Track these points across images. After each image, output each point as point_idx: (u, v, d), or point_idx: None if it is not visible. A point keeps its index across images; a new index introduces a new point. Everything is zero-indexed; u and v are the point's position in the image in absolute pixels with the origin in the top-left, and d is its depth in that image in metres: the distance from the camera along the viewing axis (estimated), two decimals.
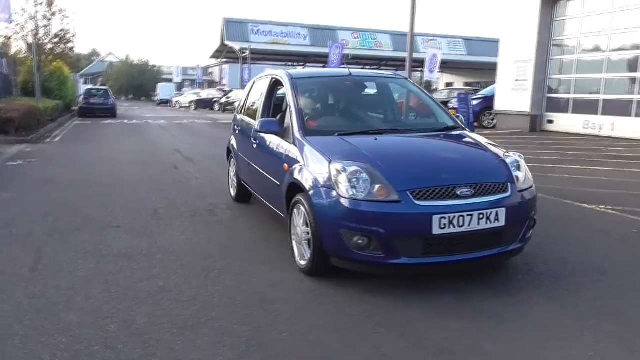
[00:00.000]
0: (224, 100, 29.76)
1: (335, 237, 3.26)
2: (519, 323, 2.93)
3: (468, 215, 3.17)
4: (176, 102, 37.92)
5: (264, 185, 4.59)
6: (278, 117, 4.54)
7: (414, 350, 2.65)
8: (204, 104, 33.74)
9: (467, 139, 4.08)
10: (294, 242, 3.81)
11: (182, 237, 4.57)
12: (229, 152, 6.17)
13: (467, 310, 3.08)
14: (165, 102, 43.06)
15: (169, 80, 56.09)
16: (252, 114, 5.36)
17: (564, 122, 13.68)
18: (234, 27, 35.89)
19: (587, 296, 3.30)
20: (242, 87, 36.44)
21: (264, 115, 4.92)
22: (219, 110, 30.10)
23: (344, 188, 3.22)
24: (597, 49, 13.10)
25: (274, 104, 5.02)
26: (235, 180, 5.81)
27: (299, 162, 3.74)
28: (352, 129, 4.14)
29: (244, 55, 31.86)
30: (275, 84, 4.99)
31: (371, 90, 4.94)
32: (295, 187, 3.73)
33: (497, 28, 16.73)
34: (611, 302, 3.22)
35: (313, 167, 3.53)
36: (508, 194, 3.37)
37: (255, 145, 4.81)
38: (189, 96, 36.58)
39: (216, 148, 11.27)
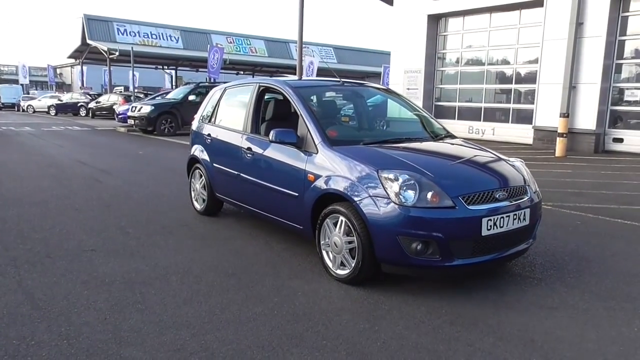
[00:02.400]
0: (92, 105, 27.40)
1: (391, 244, 3.36)
2: (563, 311, 3.30)
3: (506, 216, 3.49)
4: (28, 106, 33.95)
5: (267, 198, 4.48)
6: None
7: (502, 343, 2.86)
8: (66, 109, 30.75)
9: (471, 146, 4.43)
10: (325, 252, 3.83)
11: (181, 256, 4.28)
12: (191, 164, 5.85)
13: (515, 304, 3.38)
14: (12, 106, 38.25)
15: (13, 81, 49.95)
16: (233, 123, 5.17)
17: (451, 128, 15.01)
18: (96, 26, 33.35)
19: (590, 281, 3.81)
20: (106, 91, 34.01)
21: (254, 125, 4.81)
22: (87, 115, 27.67)
23: (399, 196, 3.34)
24: (477, 62, 14.70)
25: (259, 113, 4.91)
26: (205, 194, 5.54)
27: (330, 172, 3.75)
28: (372, 138, 4.26)
29: (112, 56, 29.71)
30: (263, 93, 4.90)
31: (372, 100, 5.09)
32: (330, 197, 3.74)
33: (386, 39, 17.80)
34: (611, 284, 3.76)
35: (354, 176, 3.58)
36: (529, 195, 3.76)
37: (249, 156, 4.67)
38: (45, 100, 32.98)
39: (123, 159, 10.53)
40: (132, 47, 25.77)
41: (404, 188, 3.36)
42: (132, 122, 16.90)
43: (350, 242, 3.59)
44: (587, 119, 11.42)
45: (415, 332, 2.97)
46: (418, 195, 3.34)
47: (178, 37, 35.58)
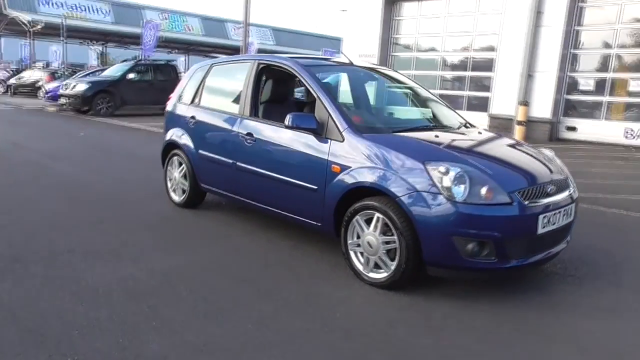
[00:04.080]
0: (13, 81, 24.98)
1: (444, 245, 3.01)
2: (613, 312, 3.11)
3: (558, 212, 3.24)
4: None
5: (273, 191, 3.98)
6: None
7: (556, 344, 2.62)
8: None
9: (502, 136, 4.15)
10: (353, 253, 3.43)
11: (177, 257, 3.72)
12: (168, 150, 5.19)
13: (564, 306, 3.15)
14: None
15: None
16: (225, 106, 4.59)
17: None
18: None
19: (628, 278, 3.67)
20: (26, 66, 31.06)
21: (253, 108, 4.27)
22: (7, 93, 25.20)
23: (451, 192, 2.98)
24: (433, 49, 14.65)
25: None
26: (187, 184, 4.93)
27: (362, 163, 3.33)
28: (397, 125, 3.87)
29: (35, 29, 27.20)
30: (262, 72, 4.36)
31: (396, 85, 4.68)
32: (360, 192, 3.33)
33: (338, 23, 17.37)
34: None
35: (395, 169, 3.19)
36: (572, 188, 3.53)
37: (249, 143, 4.13)
38: None
39: (66, 142, 9.52)
40: (64, 19, 23.74)
41: (456, 183, 3.00)
42: (64, 101, 15.42)
43: (388, 243, 3.20)
44: (542, 107, 11.66)
45: (487, 345, 2.64)
46: (472, 190, 3.00)
47: (108, 11, 33.20)
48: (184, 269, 3.51)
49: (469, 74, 13.78)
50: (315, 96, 3.75)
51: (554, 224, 3.21)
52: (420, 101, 4.57)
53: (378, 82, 4.64)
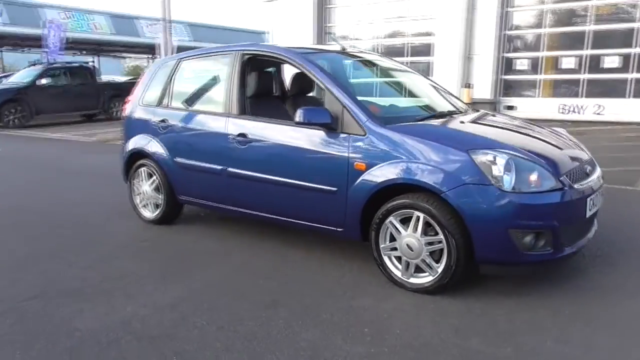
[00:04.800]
0: None
1: (500, 240, 2.74)
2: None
3: (598, 193, 3.09)
4: None
5: (280, 197, 3.54)
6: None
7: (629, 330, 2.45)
8: None
9: (511, 117, 3.96)
10: (387, 258, 3.09)
11: (178, 286, 3.19)
12: (132, 161, 4.55)
13: (598, 287, 3.01)
14: None
15: None
16: (206, 105, 4.06)
17: None
18: None
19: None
20: None
21: (242, 105, 3.78)
22: None
23: (504, 181, 2.71)
24: (369, 36, 14.53)
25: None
26: (161, 197, 4.34)
27: (392, 158, 2.98)
28: (415, 113, 3.54)
29: None
30: (248, 64, 3.88)
31: (395, 71, 4.32)
32: (392, 190, 2.99)
33: (262, 16, 16.83)
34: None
35: (435, 161, 2.86)
36: (598, 168, 3.40)
37: (242, 145, 3.65)
38: None
39: None
40: None
41: (507, 171, 2.74)
42: None
43: (431, 243, 2.88)
44: (483, 88, 11.91)
45: (569, 346, 2.40)
46: (523, 178, 2.75)
47: (0, 11, 30.23)
48: (194, 298, 3.00)
49: (408, 59, 13.80)
50: (324, 87, 3.34)
51: (595, 205, 3.05)
52: (421, 87, 4.27)
53: (376, 69, 4.29)
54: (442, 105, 3.84)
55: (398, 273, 3.06)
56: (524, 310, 2.75)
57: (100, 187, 5.95)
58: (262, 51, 3.81)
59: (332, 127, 3.21)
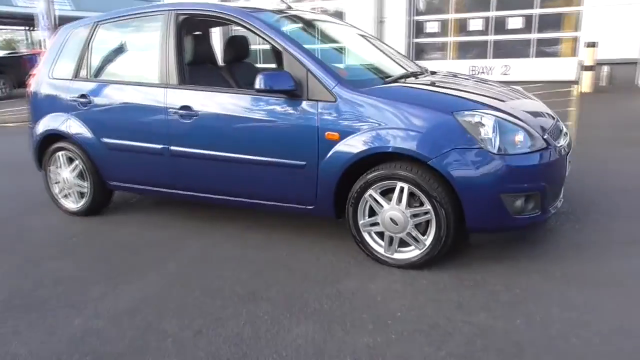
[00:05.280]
0: None
1: (491, 206, 2.60)
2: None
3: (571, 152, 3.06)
4: None
5: (240, 177, 3.15)
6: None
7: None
8: None
9: (470, 75, 3.81)
10: (367, 235, 2.86)
11: (141, 283, 2.75)
12: (46, 145, 3.89)
13: (578, 244, 3.03)
14: None
15: None
16: (135, 74, 3.50)
17: None
18: None
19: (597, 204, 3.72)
20: None
21: (181, 73, 3.30)
22: None
23: (494, 144, 2.56)
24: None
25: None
26: (87, 185, 3.76)
27: (370, 124, 2.72)
28: (385, 76, 3.27)
29: None
30: (184, 26, 3.38)
31: (348, 34, 3.96)
32: (369, 161, 2.74)
33: None
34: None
35: (419, 126, 2.64)
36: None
37: (187, 120, 3.19)
38: None
39: None
40: None
41: (496, 133, 2.58)
42: None
43: (416, 215, 2.69)
44: None
45: (576, 311, 2.33)
46: (512, 139, 2.62)
47: None
48: (155, 299, 2.58)
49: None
50: (284, 50, 2.96)
51: (570, 164, 3.02)
52: (376, 49, 4.00)
53: (327, 31, 3.94)
54: (403, 67, 3.61)
55: (380, 249, 2.84)
56: (518, 277, 2.66)
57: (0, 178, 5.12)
58: (203, 11, 3.32)
59: (296, 93, 2.86)
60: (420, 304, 2.44)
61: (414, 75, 3.45)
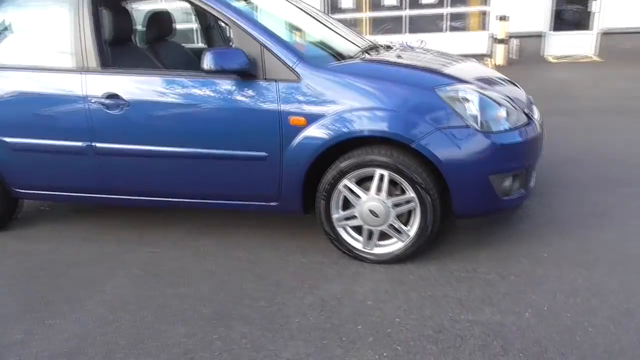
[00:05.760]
0: None
1: (479, 189, 2.37)
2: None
3: None
4: None
5: (189, 175, 2.69)
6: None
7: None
8: None
9: (428, 49, 3.56)
10: (343, 230, 2.55)
11: (82, 313, 2.24)
12: None
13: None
14: None
15: None
16: (43, 58, 2.87)
17: None
18: None
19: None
20: None
21: (102, 54, 2.75)
22: None
23: (480, 121, 2.33)
24: None
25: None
26: None
27: (342, 105, 2.38)
28: (345, 51, 2.92)
29: None
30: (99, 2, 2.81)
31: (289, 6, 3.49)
32: (341, 148, 2.42)
33: None
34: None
35: (397, 105, 2.34)
36: None
37: (117, 110, 2.66)
38: None
39: None
40: None
41: (481, 109, 2.35)
42: None
43: (398, 205, 2.41)
44: None
45: (580, 296, 2.18)
46: (494, 115, 2.40)
47: None
48: (100, 333, 2.11)
49: None
50: (231, 23, 2.52)
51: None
52: (323, 22, 3.62)
53: (268, 4, 3.50)
54: (358, 41, 3.27)
55: (358, 245, 2.54)
56: (507, 262, 2.48)
57: None
58: None
59: (250, 73, 2.44)
60: (417, 305, 2.17)
61: (375, 49, 3.13)
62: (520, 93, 2.76)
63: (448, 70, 2.66)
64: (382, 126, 2.32)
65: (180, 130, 2.58)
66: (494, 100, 2.40)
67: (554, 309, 2.09)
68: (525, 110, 2.55)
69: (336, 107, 2.37)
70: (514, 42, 10.28)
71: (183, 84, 2.56)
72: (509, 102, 2.47)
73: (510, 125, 2.39)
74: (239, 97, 2.47)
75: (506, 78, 3.02)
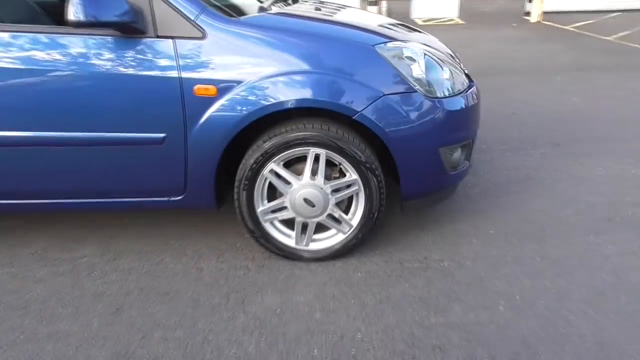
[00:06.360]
0: None
1: (429, 164, 2.04)
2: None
3: None
4: None
5: (59, 168, 1.99)
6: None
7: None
8: None
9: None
10: (271, 225, 2.09)
11: None
12: None
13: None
14: None
15: None
16: None
17: None
18: None
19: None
20: None
21: None
22: None
23: (427, 83, 1.98)
24: None
25: None
26: None
27: (258, 69, 1.87)
28: (242, 4, 2.34)
29: None
30: None
31: None
32: (271, 118, 1.94)
33: None
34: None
35: (331, 67, 1.89)
36: None
37: None
38: None
39: None
40: None
41: (427, 70, 2.00)
42: None
43: (338, 190, 2.01)
44: None
45: (546, 279, 1.99)
46: (439, 78, 2.06)
47: None
48: None
49: None
50: None
51: None
52: None
53: None
54: None
55: (290, 242, 2.09)
56: (457, 246, 2.22)
57: None
58: None
59: (136, 27, 1.81)
60: (375, 312, 1.79)
61: (284, 1, 2.61)
62: (450, 53, 2.46)
63: (377, 28, 2.24)
64: (317, 94, 1.85)
65: (43, 108, 1.86)
66: (434, 60, 2.04)
67: (525, 297, 1.85)
68: (466, 71, 2.25)
69: (256, 70, 1.84)
70: (383, 5, 10.26)
71: (36, 43, 1.82)
72: (449, 62, 2.14)
73: (454, 89, 2.07)
74: (122, 61, 1.83)
75: (417, 28, 2.70)
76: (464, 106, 2.06)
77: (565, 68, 5.60)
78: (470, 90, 2.15)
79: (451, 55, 2.33)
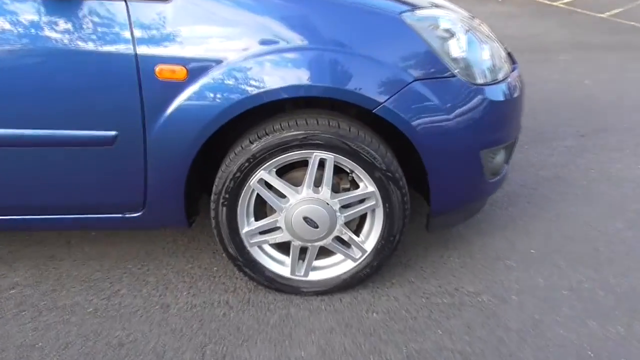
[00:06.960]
0: None
1: (468, 170, 1.58)
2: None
3: None
4: None
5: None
6: None
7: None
8: None
9: None
10: (261, 251, 1.61)
11: None
12: None
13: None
14: None
15: None
16: None
17: None
18: None
19: None
20: None
21: None
22: None
23: (469, 65, 1.50)
24: None
25: None
26: None
27: (243, 44, 1.35)
28: None
29: None
30: None
31: None
32: (260, 112, 1.44)
33: None
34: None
35: (344, 44, 1.38)
36: None
37: None
38: None
39: None
40: None
41: (470, 48, 1.51)
42: None
43: (348, 205, 1.52)
44: None
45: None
46: (484, 56, 1.57)
47: None
48: None
49: None
50: None
51: None
52: None
53: None
54: None
55: (284, 271, 1.60)
56: (513, 281, 1.77)
57: None
58: None
59: None
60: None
61: None
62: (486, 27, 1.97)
63: None
64: (323, 80, 1.35)
65: None
66: (475, 36, 1.55)
67: (600, 354, 1.41)
68: (509, 51, 1.78)
69: (241, 46, 1.33)
70: None
71: None
72: (491, 38, 1.65)
73: (497, 74, 1.58)
74: (55, 33, 1.28)
75: None
76: (510, 96, 1.58)
77: (565, 47, 5.20)
78: (515, 74, 1.68)
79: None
